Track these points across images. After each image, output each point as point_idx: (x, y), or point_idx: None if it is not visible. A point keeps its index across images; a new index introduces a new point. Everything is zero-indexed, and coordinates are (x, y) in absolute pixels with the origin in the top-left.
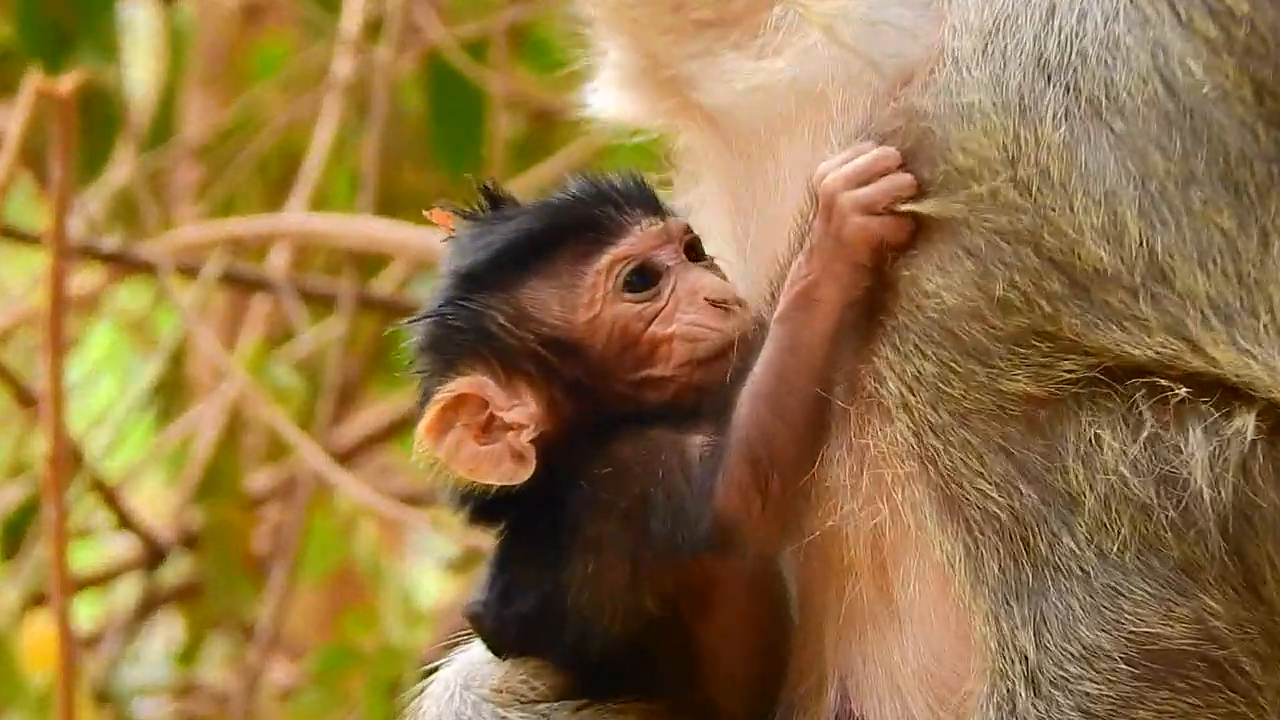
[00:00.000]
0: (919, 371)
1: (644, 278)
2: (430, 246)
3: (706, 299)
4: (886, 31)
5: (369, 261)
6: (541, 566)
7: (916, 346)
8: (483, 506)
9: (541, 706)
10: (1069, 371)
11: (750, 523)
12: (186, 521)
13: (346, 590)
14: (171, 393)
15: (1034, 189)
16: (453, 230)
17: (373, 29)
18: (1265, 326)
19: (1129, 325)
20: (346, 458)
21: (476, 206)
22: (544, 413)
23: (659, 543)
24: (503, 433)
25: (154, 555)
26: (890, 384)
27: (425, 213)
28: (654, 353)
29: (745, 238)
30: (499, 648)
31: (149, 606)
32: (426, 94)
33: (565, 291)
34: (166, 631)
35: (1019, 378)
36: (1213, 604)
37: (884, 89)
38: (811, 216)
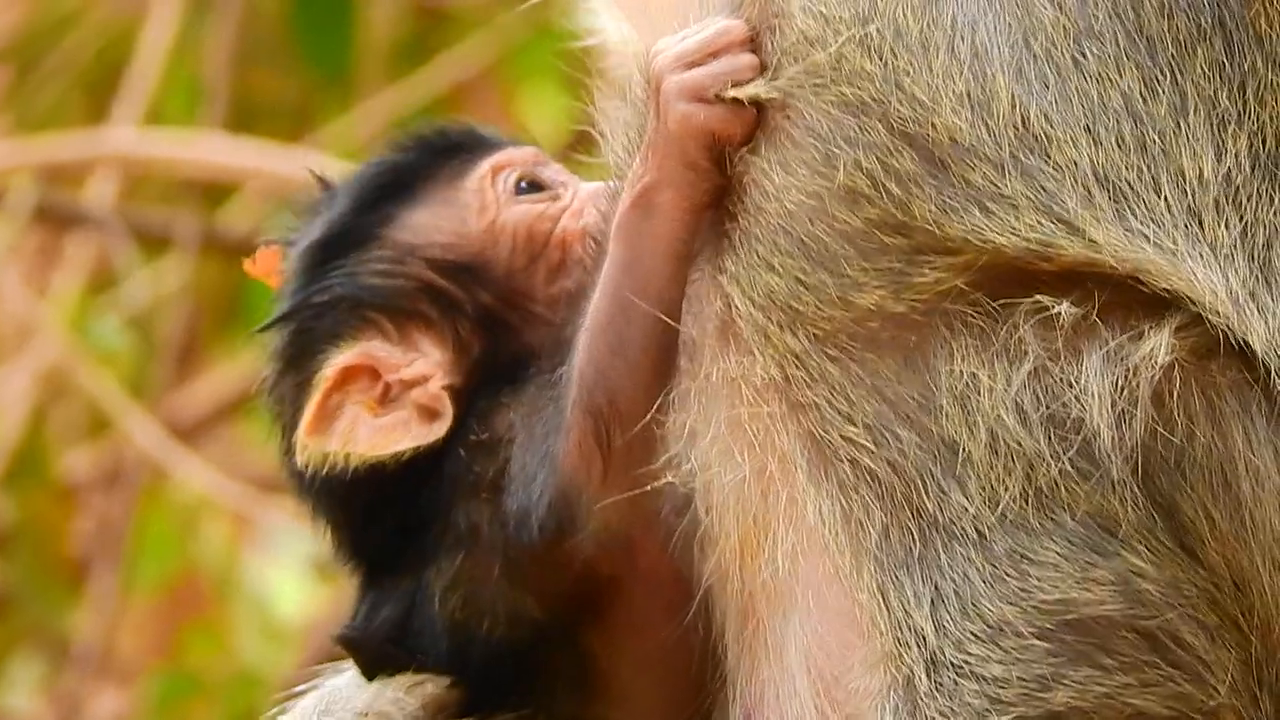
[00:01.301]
0: (769, 287)
1: (534, 186)
2: (291, 171)
3: None
4: None
5: (214, 191)
6: (410, 564)
7: (762, 258)
8: (343, 505)
9: None
10: (930, 279)
11: (594, 488)
12: None
13: (188, 600)
14: None
15: (885, 50)
16: (280, 272)
17: None
18: (1169, 204)
19: (992, 206)
20: (187, 435)
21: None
22: (452, 358)
23: (515, 526)
24: (405, 392)
25: None
26: (741, 305)
27: (246, 265)
28: (566, 256)
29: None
30: (369, 667)
31: None
32: None
33: (448, 208)
34: None
35: (873, 288)
36: (1138, 562)
37: None
38: (646, 103)
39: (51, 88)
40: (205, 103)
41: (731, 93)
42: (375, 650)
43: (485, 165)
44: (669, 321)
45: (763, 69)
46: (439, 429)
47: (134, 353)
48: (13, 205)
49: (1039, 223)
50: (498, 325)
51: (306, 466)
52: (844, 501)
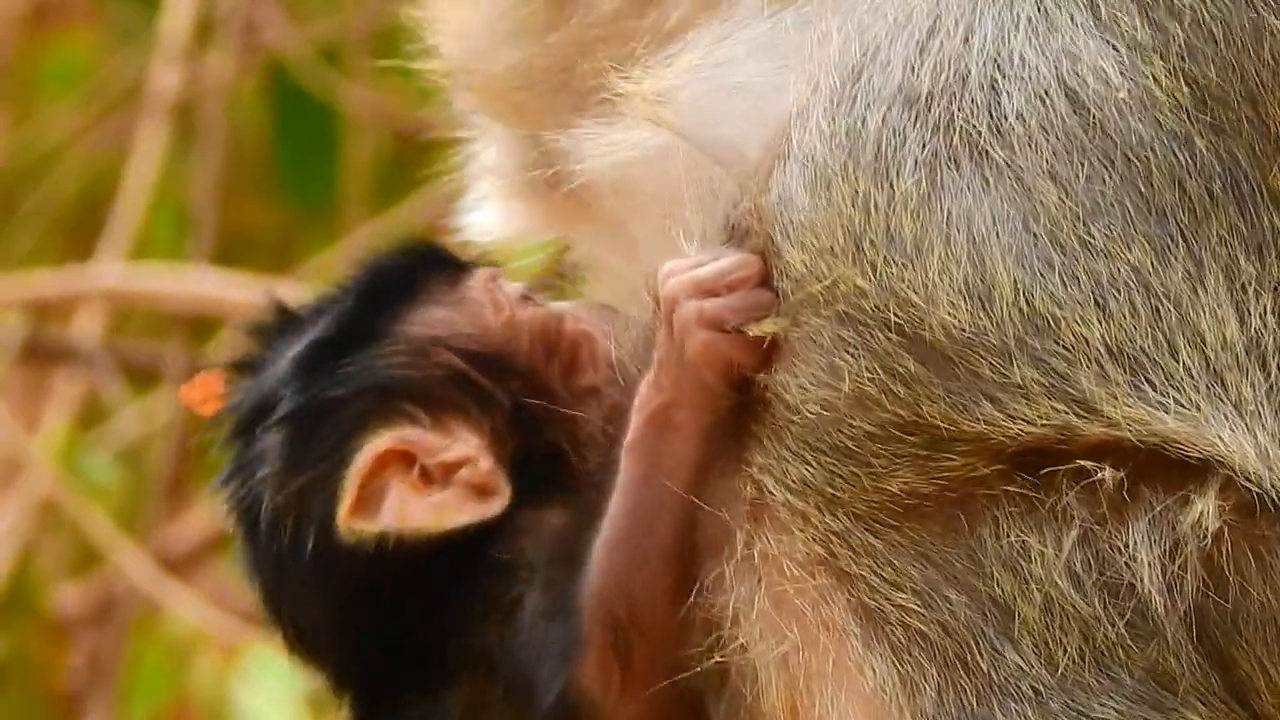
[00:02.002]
0: (804, 476)
1: (530, 294)
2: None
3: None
4: (730, 106)
5: (202, 324)
6: (421, 688)
7: (794, 451)
8: (361, 608)
9: None
10: (957, 465)
11: (610, 698)
12: None
13: None
14: None
15: (879, 262)
16: (220, 398)
17: (202, 32)
18: (1188, 368)
19: (1003, 397)
20: (178, 568)
21: (255, 346)
22: (489, 446)
23: (519, 692)
24: (449, 474)
25: None
26: (776, 492)
27: (181, 391)
28: (577, 354)
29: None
30: None
31: None
32: (269, 112)
33: (463, 305)
34: None
35: (902, 475)
36: (1196, 719)
37: (741, 172)
38: (655, 324)
39: (35, 223)
40: (191, 236)
41: (752, 330)
42: None
43: (482, 272)
44: (686, 532)
45: (775, 301)
46: (496, 505)
47: (124, 487)
48: (0, 341)
49: (1053, 408)
50: (527, 421)
51: (339, 555)
52: (898, 665)
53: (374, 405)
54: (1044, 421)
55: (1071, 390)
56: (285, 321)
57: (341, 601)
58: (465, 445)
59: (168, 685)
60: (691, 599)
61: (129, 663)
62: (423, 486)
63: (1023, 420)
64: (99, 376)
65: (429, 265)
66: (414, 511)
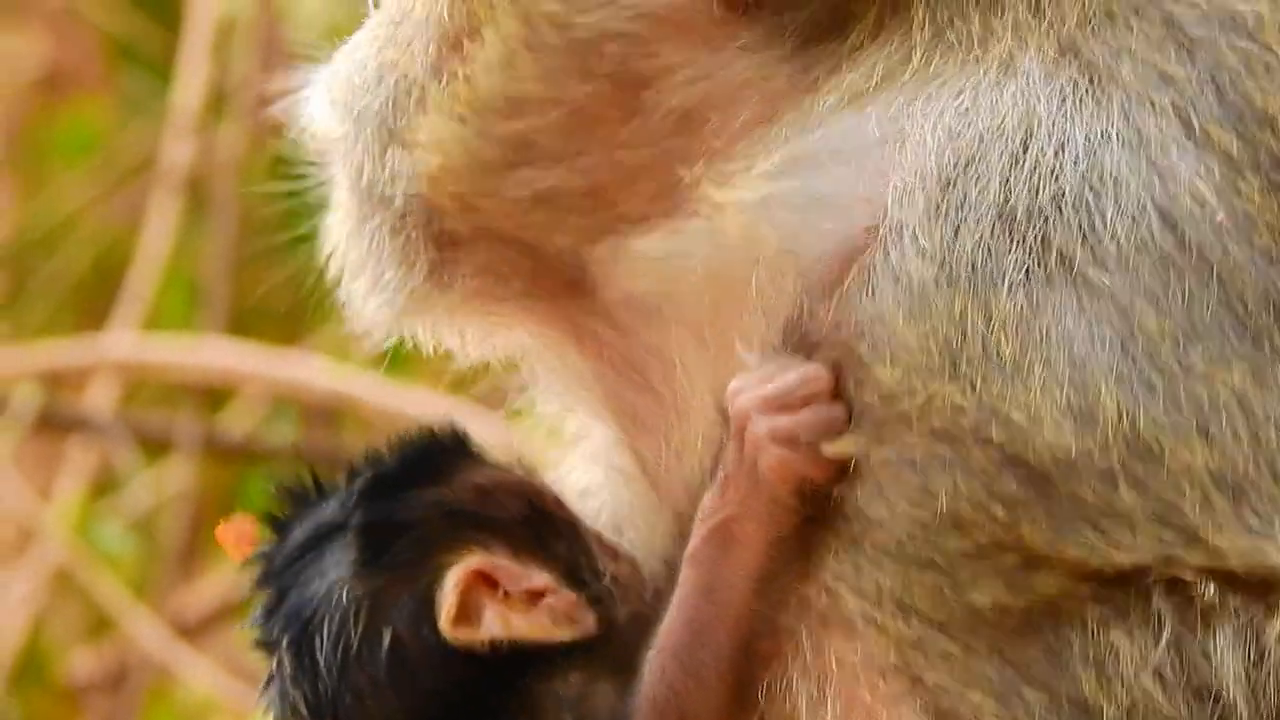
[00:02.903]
0: (878, 585)
1: None
2: (291, 376)
3: None
4: (818, 212)
5: (214, 394)
6: None
7: (871, 560)
8: None
9: None
10: (1052, 585)
11: None
12: None
13: None
14: None
15: (977, 380)
16: (253, 545)
17: (214, 104)
18: None
19: (1106, 524)
20: (191, 635)
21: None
22: (559, 582)
23: None
24: (533, 601)
25: None
26: (847, 599)
27: (218, 532)
28: (602, 541)
29: (642, 460)
30: None
31: None
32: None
33: (510, 472)
34: None
35: (990, 590)
36: None
37: (816, 280)
38: (725, 440)
39: (48, 294)
40: (203, 307)
41: (826, 450)
42: None
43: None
44: (745, 644)
45: (850, 416)
46: (583, 630)
47: (137, 554)
48: (14, 411)
49: (1159, 537)
50: (577, 578)
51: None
52: None
53: (451, 530)
54: (1148, 549)
55: (1175, 519)
56: (317, 484)
57: (402, 709)
58: (542, 577)
59: None
60: (748, 708)
61: None
62: (518, 605)
63: (1126, 549)
64: (112, 446)
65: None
66: (517, 623)
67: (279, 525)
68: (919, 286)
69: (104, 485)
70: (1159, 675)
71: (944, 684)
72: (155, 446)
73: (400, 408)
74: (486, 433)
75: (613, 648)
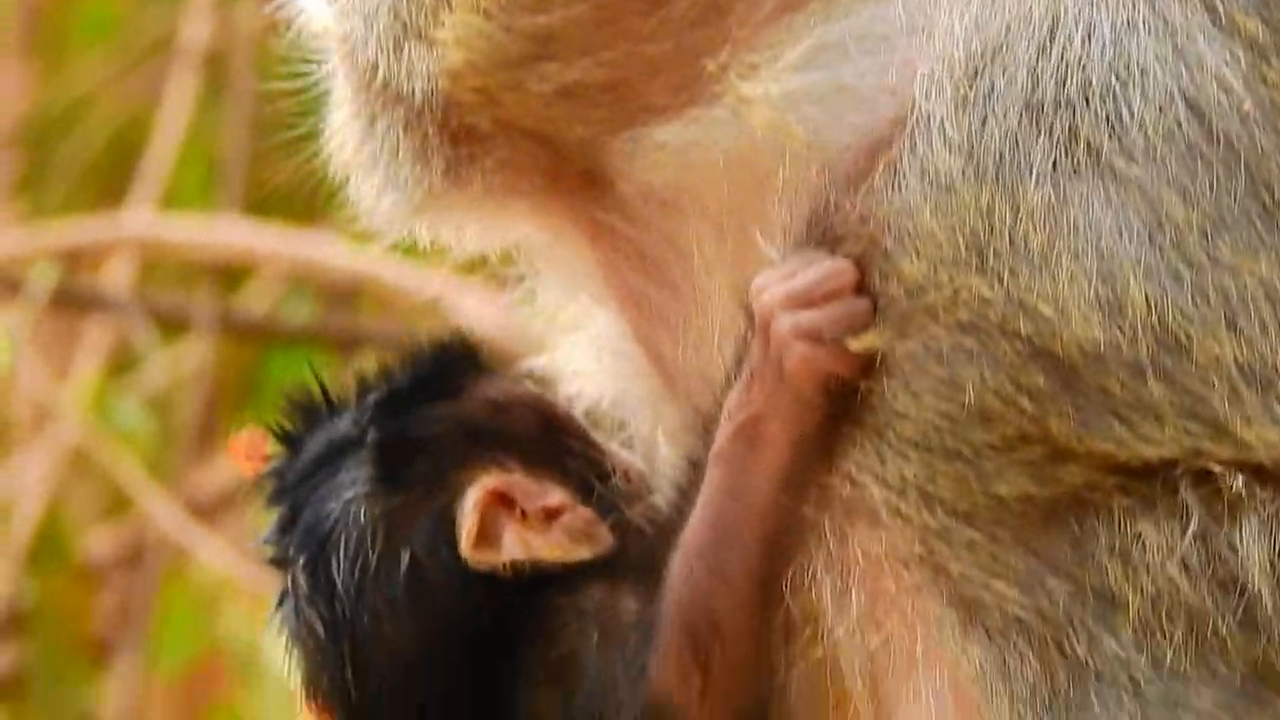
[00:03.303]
0: (902, 476)
1: None
2: (309, 255)
3: None
4: (844, 104)
5: (231, 273)
6: None
7: (895, 450)
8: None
9: None
10: (1078, 476)
11: (690, 706)
12: (12, 595)
13: (210, 681)
14: None
15: (1004, 272)
16: (265, 459)
17: None
18: None
19: (1134, 417)
20: (207, 515)
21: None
22: (575, 498)
23: None
24: (550, 519)
25: None
26: (871, 489)
27: (229, 446)
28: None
29: (657, 352)
30: None
31: None
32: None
33: (522, 386)
34: None
35: (1015, 480)
36: None
37: (841, 173)
38: (748, 336)
39: (66, 173)
40: (220, 186)
41: (852, 345)
42: None
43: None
44: (772, 541)
45: (875, 309)
46: (602, 548)
47: (153, 434)
48: (31, 291)
49: (1186, 429)
50: (591, 493)
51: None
52: (995, 651)
53: (467, 447)
54: (1175, 442)
55: (1203, 412)
56: (327, 398)
57: (420, 632)
58: (558, 495)
59: (197, 631)
60: (774, 603)
61: (158, 609)
62: (536, 525)
63: (1153, 442)
64: (129, 324)
65: (475, 356)
66: (537, 545)
67: (290, 440)
68: (946, 179)
69: (121, 364)
70: (1185, 566)
71: (968, 574)
72: (172, 325)
73: (418, 288)
74: (498, 315)
75: (630, 558)
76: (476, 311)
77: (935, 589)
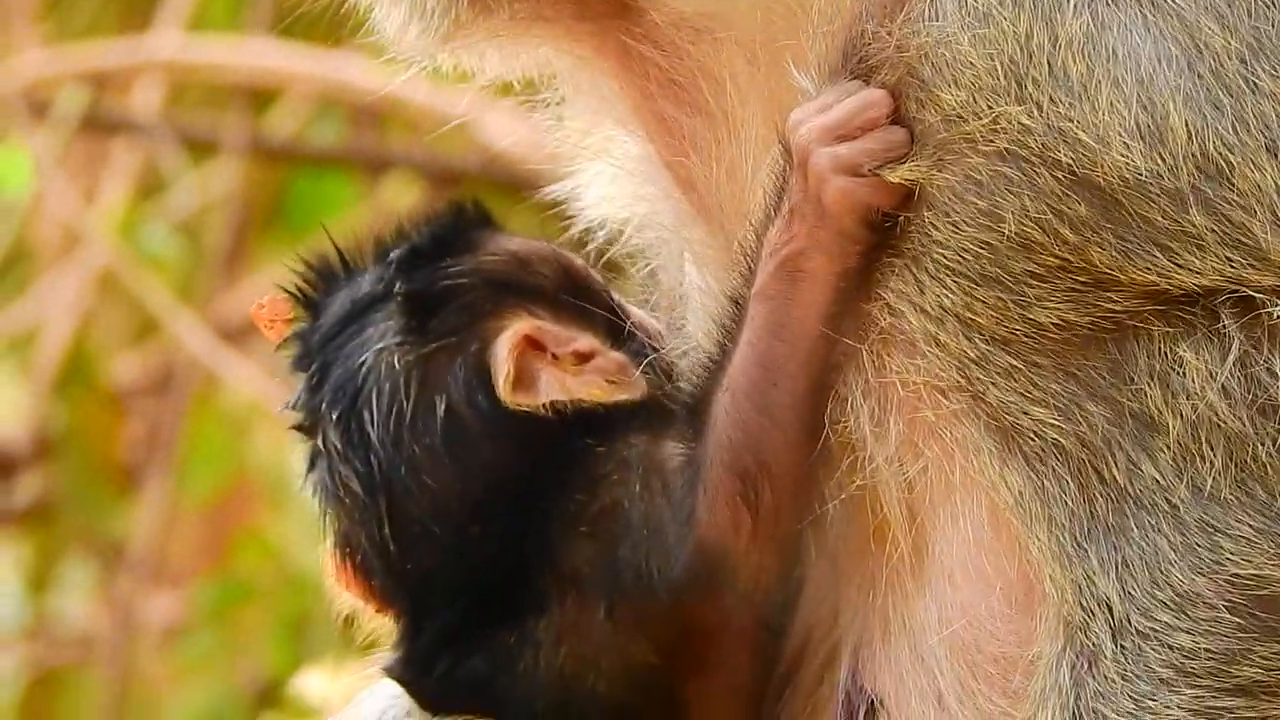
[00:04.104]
0: (941, 303)
1: None
2: (337, 76)
3: None
4: None
5: (260, 95)
6: (511, 616)
7: (933, 277)
8: (411, 545)
9: None
10: (1119, 305)
11: (740, 547)
12: (40, 420)
13: (238, 505)
14: (18, 262)
15: (1044, 100)
16: (289, 323)
17: None
18: None
19: (1175, 245)
20: (236, 339)
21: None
22: (603, 344)
23: (629, 577)
24: (582, 363)
25: (1, 462)
26: (910, 317)
27: (253, 310)
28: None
29: (688, 177)
30: (435, 708)
31: None
32: None
33: (534, 242)
34: (16, 557)
35: (1055, 307)
36: None
37: (877, 2)
38: (786, 172)
39: None
40: (248, 6)
41: (889, 176)
42: (446, 698)
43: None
44: (817, 377)
45: (912, 140)
46: (638, 391)
47: (182, 257)
48: (60, 114)
49: (1227, 258)
50: (618, 340)
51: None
52: (1033, 476)
53: (494, 296)
54: (1217, 270)
55: (1245, 240)
56: (345, 262)
57: (458, 480)
58: (587, 340)
59: (225, 457)
60: (819, 439)
61: (187, 434)
62: (570, 367)
63: (1195, 270)
64: (157, 147)
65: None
66: (574, 385)
67: (311, 304)
68: (984, 6)
69: (149, 187)
70: (1225, 391)
71: (1006, 400)
72: (201, 148)
73: (445, 109)
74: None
75: (667, 406)
76: (503, 133)
77: (973, 416)
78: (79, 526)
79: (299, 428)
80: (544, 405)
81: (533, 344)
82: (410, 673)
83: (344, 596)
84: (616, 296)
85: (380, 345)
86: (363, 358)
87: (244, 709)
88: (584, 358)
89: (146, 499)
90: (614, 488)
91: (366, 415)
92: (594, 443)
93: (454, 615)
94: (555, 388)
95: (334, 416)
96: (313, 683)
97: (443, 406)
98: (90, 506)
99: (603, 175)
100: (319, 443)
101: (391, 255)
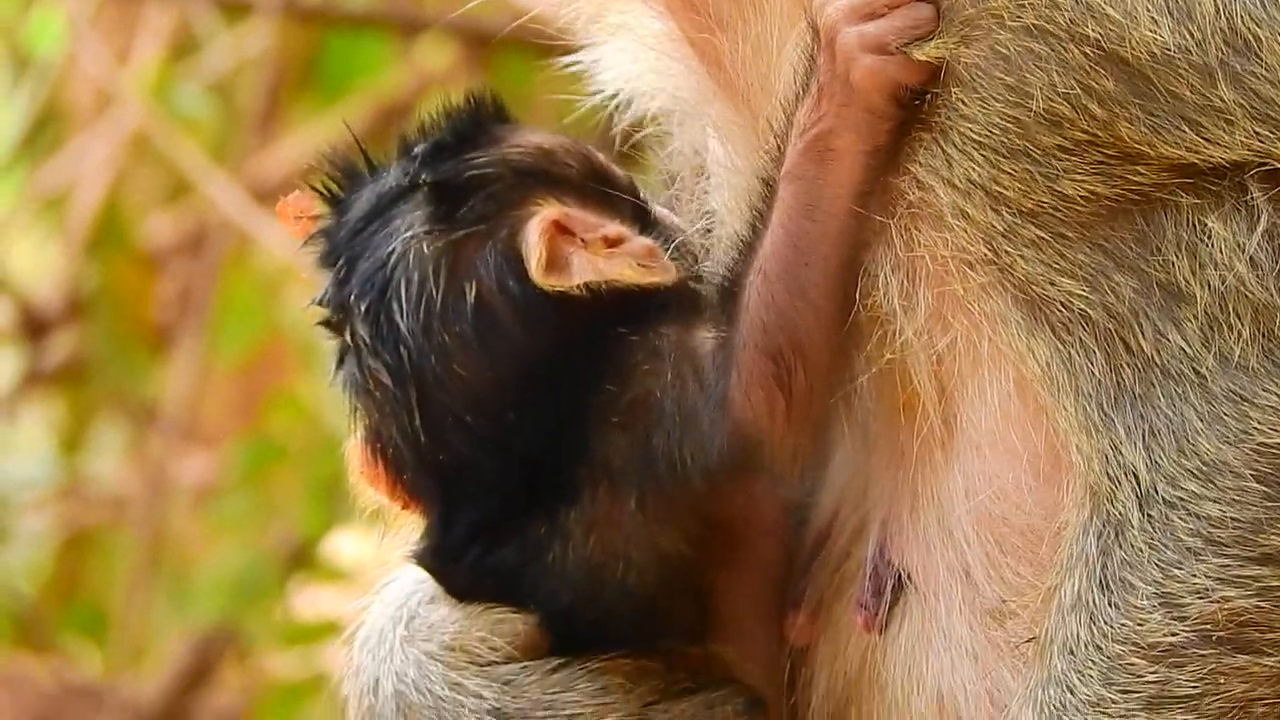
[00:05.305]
0: (968, 176)
1: None
2: None
3: None
4: None
5: None
6: (530, 505)
7: (960, 150)
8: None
9: (504, 670)
10: (1146, 178)
11: (775, 429)
12: (72, 281)
13: (271, 367)
14: (51, 122)
15: None
16: (314, 220)
17: None
18: None
19: (1203, 121)
20: (269, 199)
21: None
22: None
23: (662, 466)
24: (612, 247)
25: (33, 323)
26: (938, 191)
27: (278, 206)
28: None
29: (714, 54)
30: (462, 597)
31: (27, 386)
32: None
33: (555, 135)
34: (49, 417)
35: (1082, 180)
36: None
37: None
38: (815, 51)
39: None
40: None
41: (917, 54)
42: (474, 586)
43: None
44: (849, 256)
45: (938, 15)
46: (670, 274)
47: (215, 118)
48: None
49: (1255, 132)
50: (645, 228)
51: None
52: (1060, 347)
53: (521, 185)
54: (1245, 144)
55: (1273, 113)
56: (368, 159)
57: (489, 367)
58: (616, 226)
59: (257, 317)
60: (850, 316)
61: (219, 295)
62: (603, 249)
63: (1223, 144)
64: (191, 8)
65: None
66: (606, 267)
67: (336, 202)
68: None
69: (183, 47)
70: (1253, 262)
71: (1034, 272)
72: (234, 8)
73: None
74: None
75: (692, 292)
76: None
77: (1001, 288)
78: (111, 387)
79: (326, 324)
80: (577, 286)
81: (561, 229)
82: (439, 561)
83: (370, 492)
84: (639, 187)
85: (409, 234)
86: (390, 248)
87: (276, 570)
88: (613, 242)
89: (179, 360)
90: (645, 377)
91: (395, 305)
92: (626, 331)
93: (486, 506)
94: (588, 269)
95: (362, 309)
96: (345, 545)
97: (473, 292)
98: (122, 367)
99: (623, 51)
100: (347, 337)
101: (415, 149)
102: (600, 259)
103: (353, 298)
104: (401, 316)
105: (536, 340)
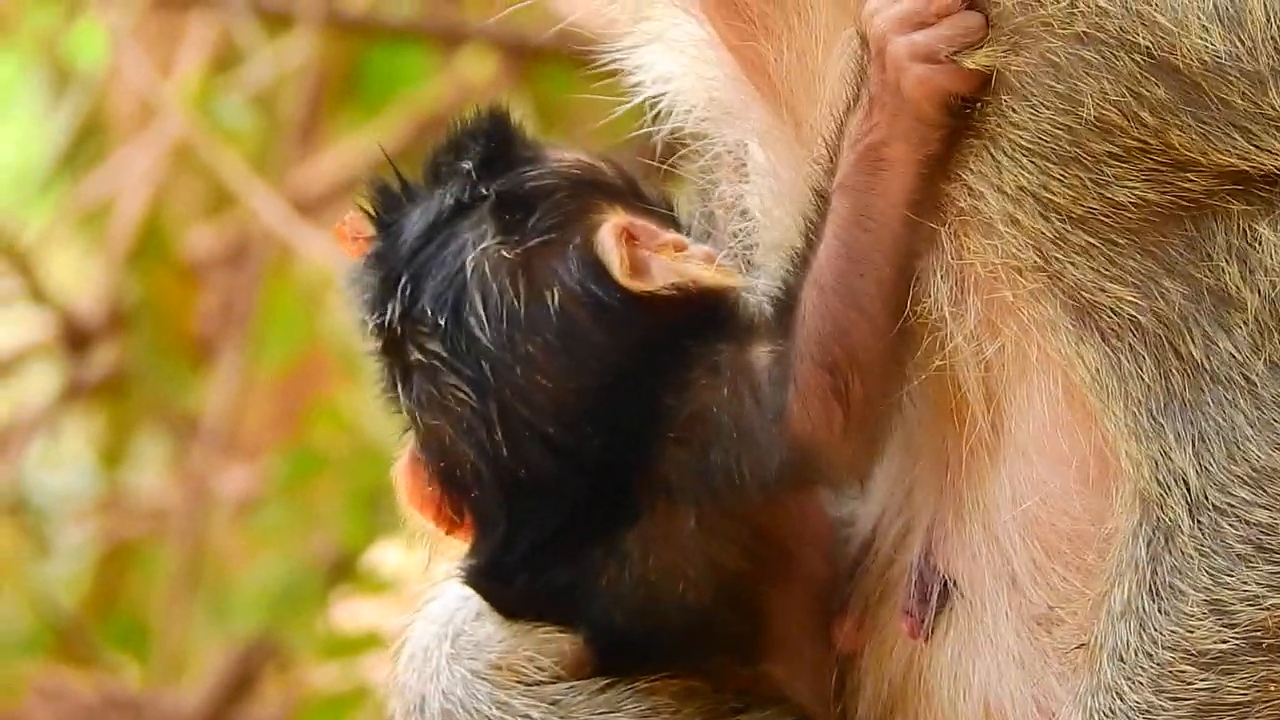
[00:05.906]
0: (1019, 183)
1: None
2: None
3: None
4: None
5: None
6: (589, 523)
7: (1010, 157)
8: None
9: (551, 690)
10: (1198, 186)
11: (833, 441)
12: (114, 293)
13: (313, 378)
14: (93, 134)
15: None
16: (365, 240)
17: None
18: None
19: (1254, 127)
20: (311, 210)
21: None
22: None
23: (720, 481)
24: (680, 252)
25: (74, 335)
26: (988, 197)
27: (334, 229)
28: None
29: (758, 61)
30: (510, 615)
31: (69, 399)
32: None
33: (587, 153)
34: (90, 429)
35: (1133, 187)
36: None
37: None
38: (865, 62)
39: None
40: None
41: (967, 63)
42: (525, 605)
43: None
44: (903, 266)
45: (988, 24)
46: (741, 280)
47: (257, 129)
48: None
49: None
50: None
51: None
52: (1108, 352)
53: (581, 195)
54: None
55: None
56: (404, 182)
57: (573, 373)
58: (674, 234)
59: (299, 328)
60: (902, 326)
61: (261, 306)
62: (671, 256)
63: (1274, 152)
64: (233, 19)
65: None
66: (686, 269)
67: (385, 225)
68: None
69: (225, 59)
70: None
71: (1083, 278)
72: (276, 19)
73: None
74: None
75: (745, 306)
76: (577, 6)
77: (1050, 295)
78: (153, 399)
79: (384, 348)
80: (663, 288)
81: (629, 236)
82: (490, 580)
83: (416, 516)
84: (671, 200)
85: (481, 247)
86: (461, 262)
87: (317, 582)
88: (679, 248)
89: (220, 371)
90: (702, 392)
91: (473, 319)
92: (690, 343)
93: (550, 523)
94: (668, 271)
95: (435, 326)
96: (387, 556)
97: (555, 300)
98: (164, 379)
99: (662, 57)
100: (416, 356)
101: (464, 165)
102: (677, 262)
103: (422, 316)
104: (481, 330)
105: (615, 347)
